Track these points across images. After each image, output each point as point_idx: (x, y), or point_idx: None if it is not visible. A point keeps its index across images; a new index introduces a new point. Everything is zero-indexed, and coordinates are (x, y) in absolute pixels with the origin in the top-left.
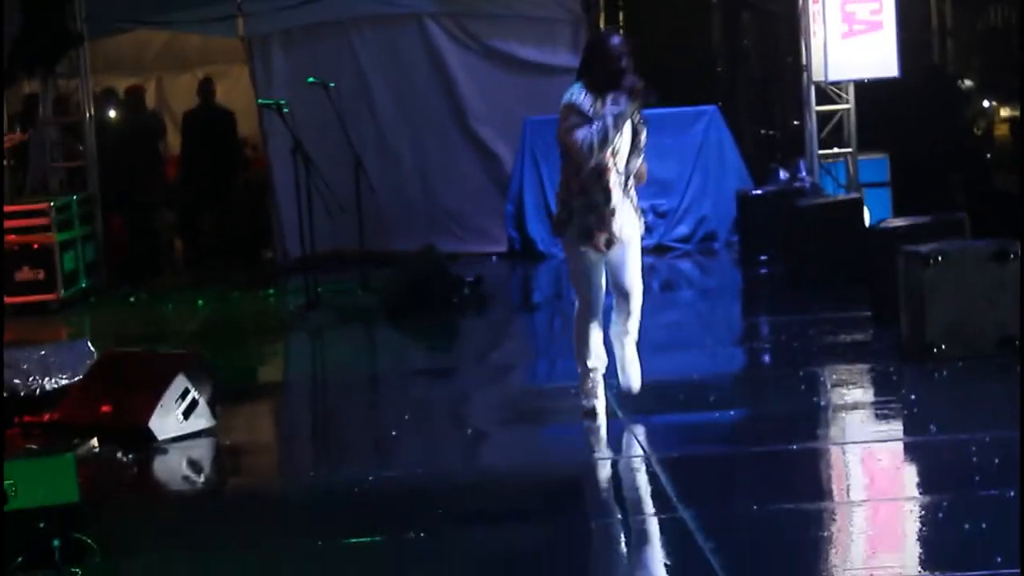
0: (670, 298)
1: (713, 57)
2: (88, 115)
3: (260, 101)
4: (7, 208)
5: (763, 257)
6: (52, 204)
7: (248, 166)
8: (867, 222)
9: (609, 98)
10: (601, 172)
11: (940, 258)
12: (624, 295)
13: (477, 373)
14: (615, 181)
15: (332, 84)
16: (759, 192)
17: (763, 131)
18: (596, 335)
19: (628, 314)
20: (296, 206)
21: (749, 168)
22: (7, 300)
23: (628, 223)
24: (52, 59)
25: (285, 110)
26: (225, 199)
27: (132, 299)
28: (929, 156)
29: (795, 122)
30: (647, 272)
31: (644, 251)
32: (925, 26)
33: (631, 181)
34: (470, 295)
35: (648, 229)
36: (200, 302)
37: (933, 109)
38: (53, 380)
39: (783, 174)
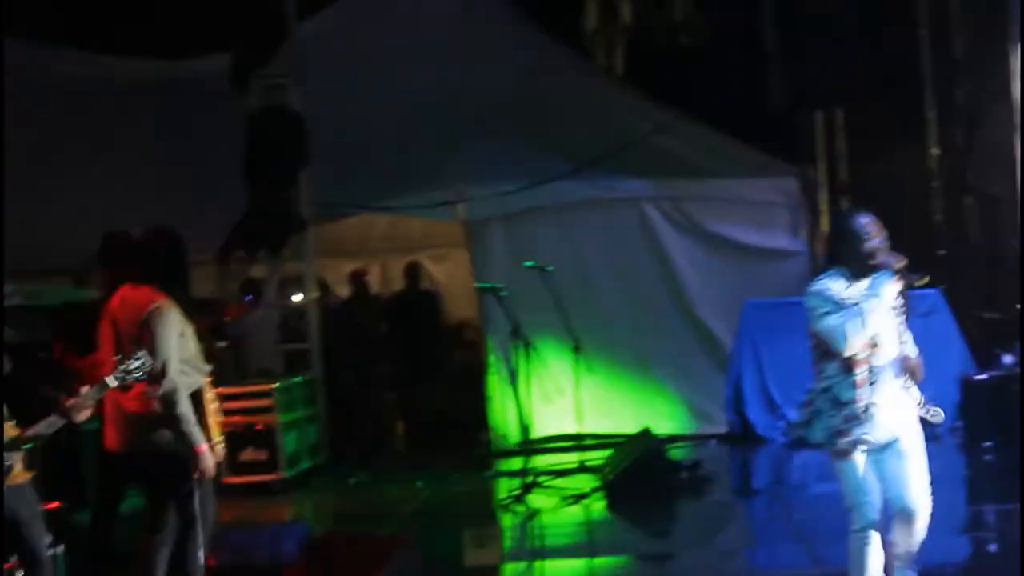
0: None
1: (935, 240)
2: (312, 298)
3: (478, 285)
4: (232, 390)
5: (988, 444)
6: (275, 386)
7: (466, 347)
8: None
9: (864, 282)
10: (851, 365)
11: None
12: (902, 515)
13: (696, 559)
14: (867, 376)
15: (550, 268)
16: (983, 377)
17: (986, 315)
18: (875, 559)
19: (909, 539)
20: (514, 388)
21: (972, 352)
22: (231, 480)
23: (900, 425)
24: (277, 242)
25: (503, 294)
26: (441, 380)
27: (353, 480)
28: None
29: (1019, 306)
30: None
31: None
32: None
33: (908, 377)
34: (688, 479)
35: None
36: (419, 483)
37: None
38: (269, 560)
39: (1007, 359)
